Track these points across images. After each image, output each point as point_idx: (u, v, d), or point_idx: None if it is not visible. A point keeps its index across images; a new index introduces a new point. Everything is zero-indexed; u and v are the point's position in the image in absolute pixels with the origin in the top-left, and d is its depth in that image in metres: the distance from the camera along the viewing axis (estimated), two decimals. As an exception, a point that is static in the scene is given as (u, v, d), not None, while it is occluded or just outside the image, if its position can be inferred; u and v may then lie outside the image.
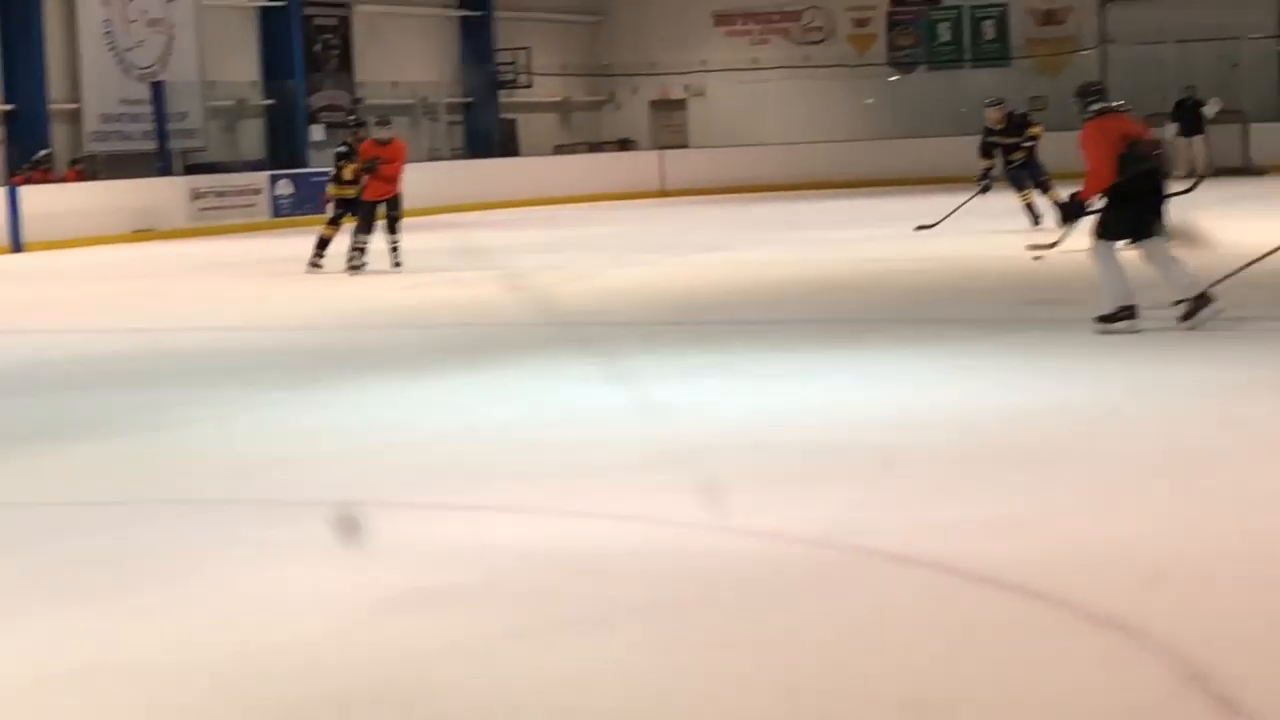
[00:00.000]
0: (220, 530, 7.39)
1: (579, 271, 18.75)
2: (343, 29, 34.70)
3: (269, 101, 32.97)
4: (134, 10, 30.39)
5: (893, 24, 38.83)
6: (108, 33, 30.02)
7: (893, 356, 11.55)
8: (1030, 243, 17.86)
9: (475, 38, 37.62)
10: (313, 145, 33.15)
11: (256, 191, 29.88)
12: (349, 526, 7.11)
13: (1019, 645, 5.44)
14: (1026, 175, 20.62)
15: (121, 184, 28.52)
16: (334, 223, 19.59)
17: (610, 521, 7.22)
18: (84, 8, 29.67)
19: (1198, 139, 32.33)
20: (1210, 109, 32.45)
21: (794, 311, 14.64)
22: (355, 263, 18.81)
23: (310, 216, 30.17)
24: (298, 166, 31.90)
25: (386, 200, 18.96)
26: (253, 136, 32.90)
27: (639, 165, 36.74)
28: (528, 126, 38.83)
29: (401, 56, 35.93)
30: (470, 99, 37.48)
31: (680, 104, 40.20)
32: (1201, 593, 5.88)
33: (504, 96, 38.02)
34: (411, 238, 19.38)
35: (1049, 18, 37.58)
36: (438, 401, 10.55)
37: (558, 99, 39.81)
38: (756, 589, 6.15)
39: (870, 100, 38.72)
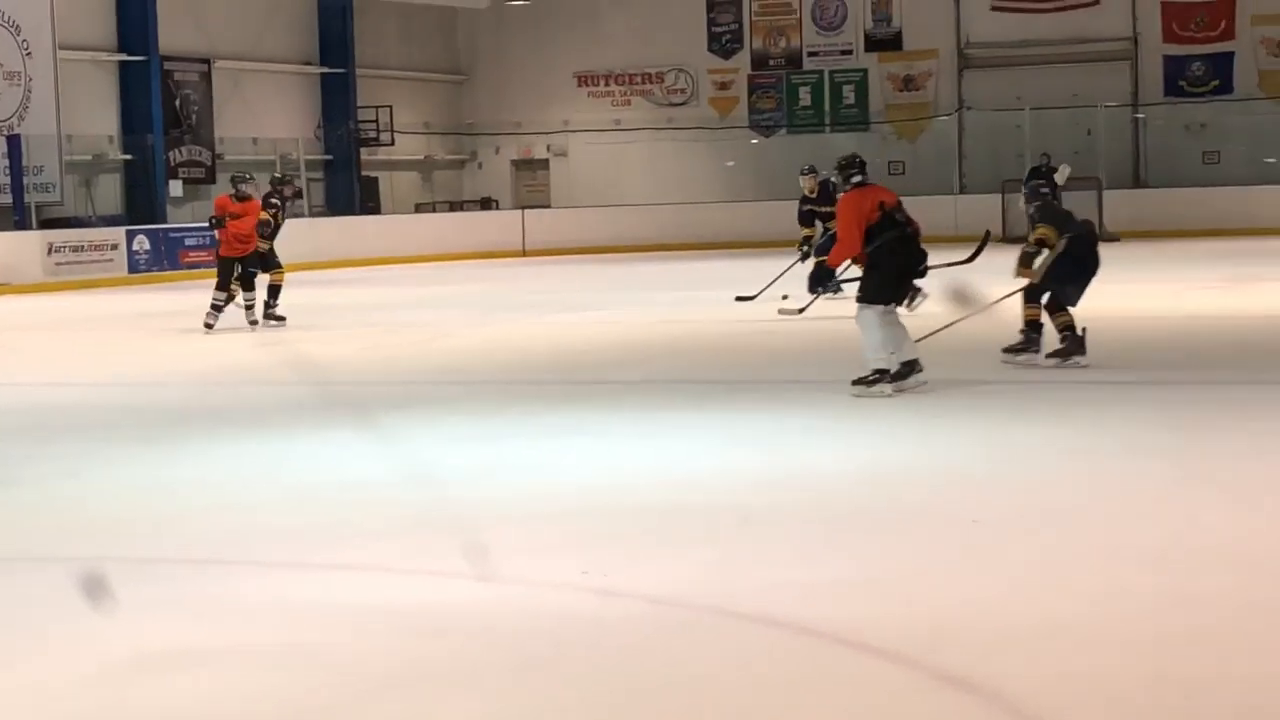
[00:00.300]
0: (69, 589, 7.27)
1: (439, 330, 18.69)
2: (203, 85, 34.47)
3: (127, 156, 32.67)
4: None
5: (754, 87, 39.17)
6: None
7: (751, 417, 11.60)
8: (781, 306, 18.28)
9: (336, 95, 37.51)
10: (171, 201, 32.88)
11: (114, 247, 29.59)
12: (96, 587, 6.99)
13: (873, 707, 5.46)
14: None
15: (-25, 238, 28.16)
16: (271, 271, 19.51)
17: (466, 581, 7.18)
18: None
19: (1051, 205, 32.80)
20: (1061, 175, 32.94)
21: (654, 371, 14.67)
22: (209, 320, 18.65)
23: (168, 272, 29.98)
24: (156, 222, 31.61)
25: (242, 258, 18.79)
26: (111, 191, 32.58)
27: (501, 224, 36.75)
28: (389, 184, 38.76)
29: (262, 113, 35.76)
30: (331, 156, 37.36)
31: (543, 164, 40.30)
32: (1055, 654, 5.93)
33: (366, 154, 37.92)
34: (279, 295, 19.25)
35: (907, 83, 38.07)
36: (291, 458, 10.46)
37: (419, 157, 39.77)
38: (610, 649, 6.14)
39: (731, 163, 39.01)
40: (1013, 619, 6.33)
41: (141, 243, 30.03)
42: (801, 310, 17.91)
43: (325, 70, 37.41)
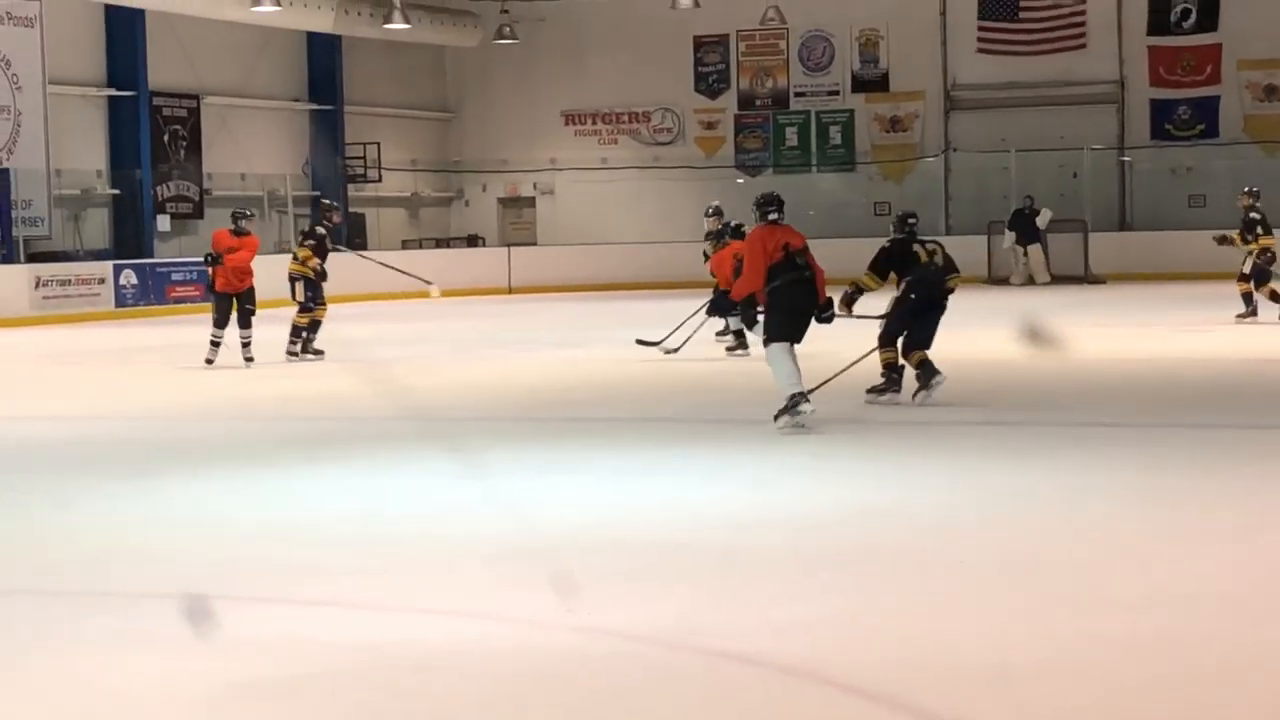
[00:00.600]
0: (53, 622, 7.29)
1: (425, 366, 18.72)
2: (192, 120, 34.53)
3: (115, 191, 32.70)
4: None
5: (741, 127, 39.28)
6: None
7: (733, 455, 11.63)
8: (640, 337, 18.74)
9: (325, 131, 37.59)
10: (158, 236, 32.91)
11: (101, 281, 29.61)
12: (198, 615, 7.05)
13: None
14: None
15: (-38, 271, 28.18)
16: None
17: (451, 618, 7.20)
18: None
19: (1034, 247, 32.96)
20: (1042, 219, 33.10)
21: (638, 409, 14.70)
22: (209, 356, 18.59)
23: (155, 307, 29.99)
24: (143, 257, 31.64)
25: (239, 294, 18.72)
26: (98, 226, 32.60)
27: (487, 261, 36.81)
28: (376, 221, 38.81)
29: (251, 149, 35.82)
30: (319, 192, 37.41)
31: (529, 201, 40.37)
32: (1041, 695, 5.96)
33: (353, 191, 37.98)
34: (259, 329, 19.28)
35: (894, 124, 38.20)
36: (278, 494, 10.47)
37: (407, 194, 39.84)
38: (593, 687, 6.16)
39: (717, 202, 38.98)
40: (999, 660, 6.36)
41: (129, 277, 30.05)
42: (659, 344, 18.29)
43: (314, 107, 37.49)
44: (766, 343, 12.69)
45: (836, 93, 38.57)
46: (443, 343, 22.48)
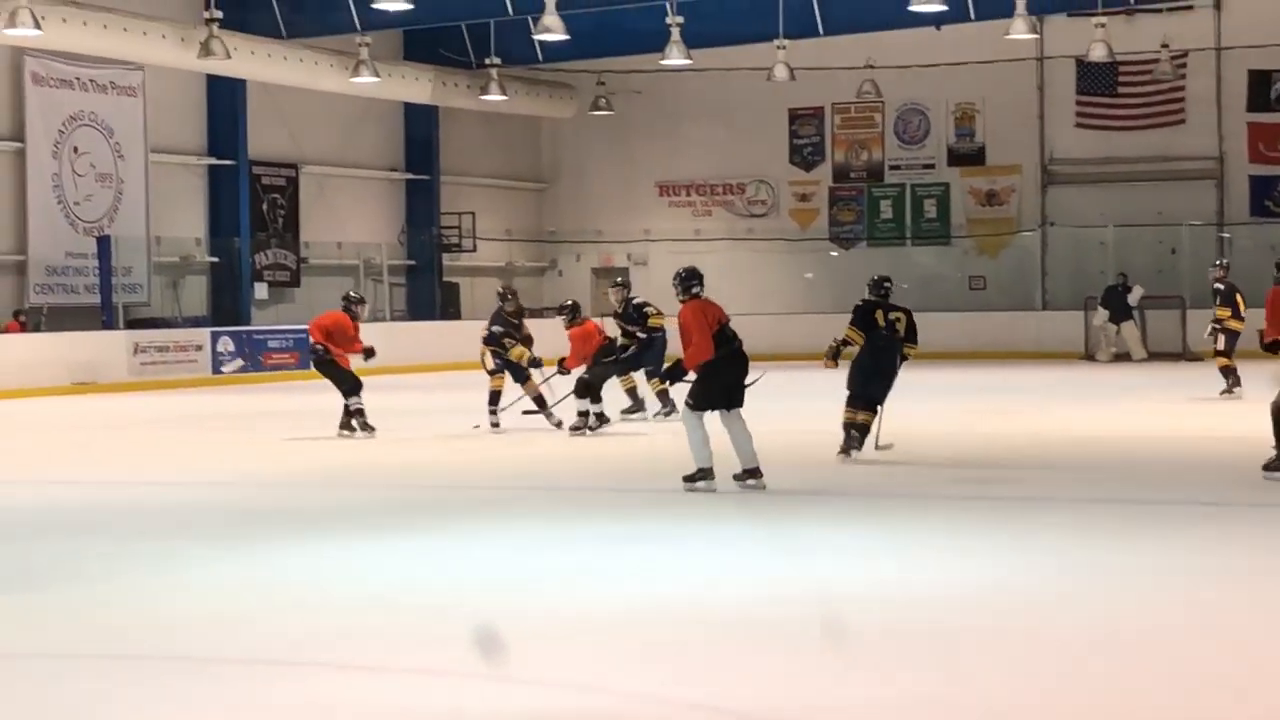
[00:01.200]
0: (142, 686, 7.31)
1: (520, 436, 18.73)
2: (290, 188, 34.87)
3: (214, 259, 33.03)
4: (83, 165, 30.51)
5: (835, 199, 39.27)
6: (56, 186, 30.10)
7: (837, 529, 11.55)
8: (524, 409, 19.13)
9: (420, 201, 37.86)
10: (256, 303, 33.21)
11: (198, 348, 29.87)
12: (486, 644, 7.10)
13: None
14: (635, 363, 20.01)
15: (63, 336, 28.50)
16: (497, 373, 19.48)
17: (544, 688, 7.17)
18: (34, 161, 29.75)
19: (1127, 324, 32.70)
20: (1134, 296, 32.85)
21: (724, 480, 14.63)
22: (369, 423, 18.45)
23: (251, 374, 30.22)
24: (240, 324, 31.94)
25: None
26: (197, 293, 32.93)
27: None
28: (470, 290, 38.98)
29: (347, 217, 36.12)
30: (413, 262, 37.67)
31: (622, 271, 40.41)
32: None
33: (447, 260, 38.19)
34: (325, 399, 19.32)
35: (990, 198, 38.08)
36: (373, 562, 10.48)
37: (501, 263, 40.01)
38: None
39: (810, 274, 39.06)
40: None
41: (226, 344, 30.30)
42: (543, 409, 18.38)
43: (410, 176, 37.78)
44: (689, 408, 13.28)
45: (932, 165, 38.51)
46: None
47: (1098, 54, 31.41)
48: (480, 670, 7.50)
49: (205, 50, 28.01)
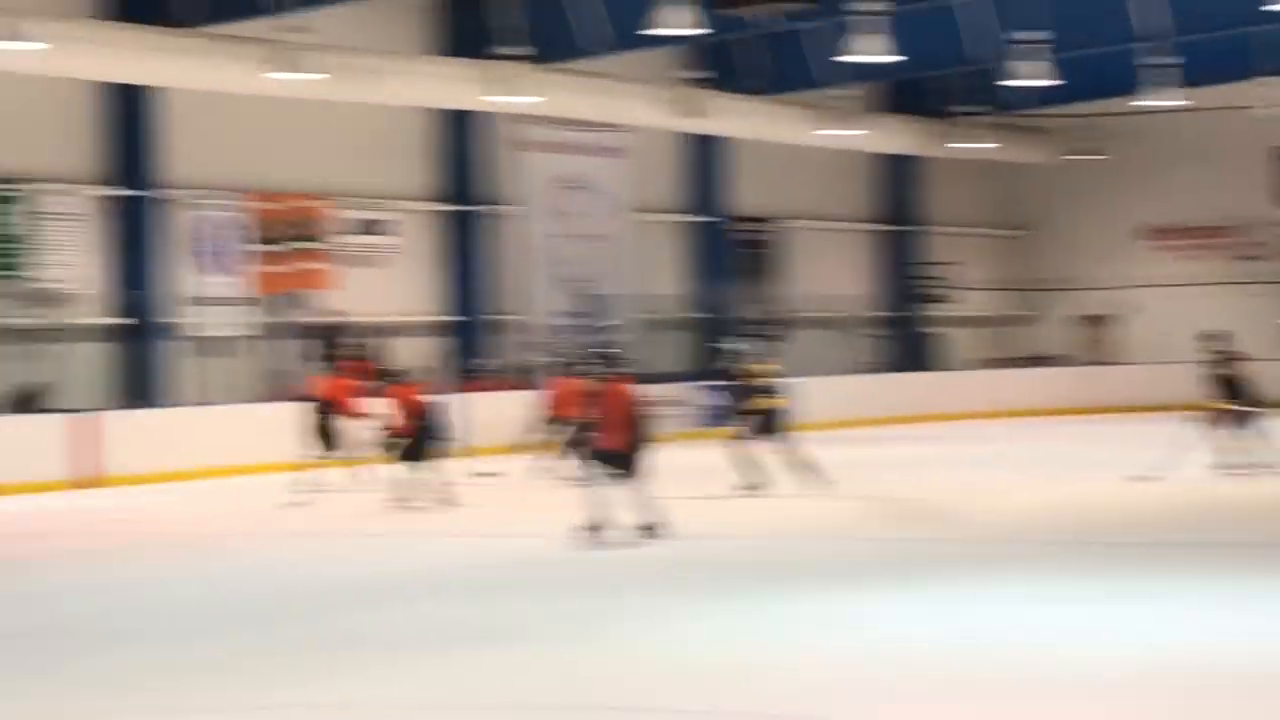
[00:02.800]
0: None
1: (997, 488, 18.58)
2: (768, 242, 35.30)
3: (697, 314, 33.61)
4: (573, 225, 31.44)
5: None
6: (551, 248, 31.07)
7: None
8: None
9: (896, 251, 37.88)
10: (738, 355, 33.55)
11: (682, 402, 30.37)
12: None
13: None
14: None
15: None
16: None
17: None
18: (526, 224, 30.78)
19: None
20: None
21: (1219, 537, 14.25)
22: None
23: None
24: (724, 378, 32.32)
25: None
26: (678, 346, 33.54)
27: (1066, 381, 36.30)
28: (948, 340, 38.76)
29: (823, 270, 36.32)
30: (892, 312, 37.68)
31: (1108, 319, 39.56)
32: None
33: (923, 310, 38.07)
34: (828, 451, 19.43)
35: None
36: (864, 615, 10.56)
37: (980, 313, 39.59)
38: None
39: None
40: None
41: (711, 398, 30.72)
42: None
43: (885, 227, 37.82)
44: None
45: None
46: (1014, 465, 22.35)
47: None
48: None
49: (690, 110, 28.59)
